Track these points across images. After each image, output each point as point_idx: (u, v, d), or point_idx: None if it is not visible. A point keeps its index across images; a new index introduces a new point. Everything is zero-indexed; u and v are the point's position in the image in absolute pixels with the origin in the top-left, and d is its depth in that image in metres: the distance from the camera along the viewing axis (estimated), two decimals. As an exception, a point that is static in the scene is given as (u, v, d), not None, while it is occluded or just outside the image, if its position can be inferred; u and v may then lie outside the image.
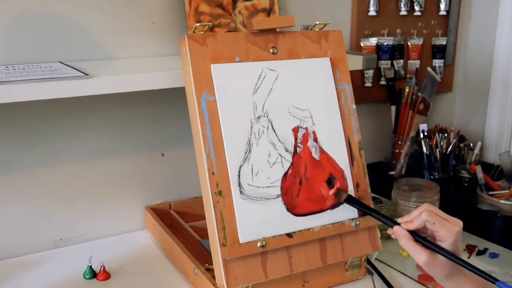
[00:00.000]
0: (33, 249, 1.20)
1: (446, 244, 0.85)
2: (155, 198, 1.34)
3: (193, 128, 0.97)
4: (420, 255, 0.85)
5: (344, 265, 1.08)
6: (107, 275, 1.10)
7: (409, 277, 1.13)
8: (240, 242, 0.94)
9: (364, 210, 1.02)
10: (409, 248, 0.87)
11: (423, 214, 0.87)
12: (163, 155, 1.33)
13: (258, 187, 0.98)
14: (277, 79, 1.03)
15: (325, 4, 1.47)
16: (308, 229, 1.00)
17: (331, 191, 1.03)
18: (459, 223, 0.86)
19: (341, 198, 1.02)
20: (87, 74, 0.97)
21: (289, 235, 0.98)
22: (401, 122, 1.54)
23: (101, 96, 1.00)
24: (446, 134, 1.54)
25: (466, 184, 1.52)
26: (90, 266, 1.10)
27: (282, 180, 1.00)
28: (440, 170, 1.51)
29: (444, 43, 1.68)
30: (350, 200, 1.02)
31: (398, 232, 0.89)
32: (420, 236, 0.88)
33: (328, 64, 1.09)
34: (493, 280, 0.81)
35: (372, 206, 1.09)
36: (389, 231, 0.92)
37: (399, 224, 0.90)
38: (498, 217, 1.30)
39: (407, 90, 1.52)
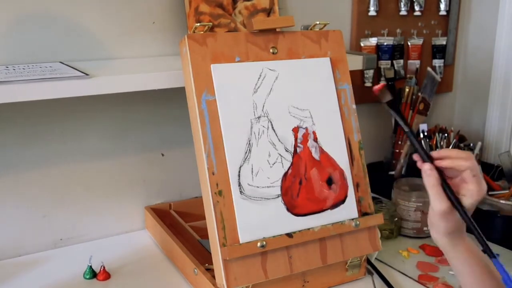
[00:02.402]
0: (33, 249, 1.20)
1: (470, 201, 0.80)
2: (155, 198, 1.34)
3: (193, 128, 0.97)
4: (442, 201, 0.80)
5: (344, 265, 1.08)
6: (107, 275, 1.10)
7: (409, 277, 1.13)
8: (240, 242, 0.94)
9: (400, 122, 0.88)
10: (433, 190, 0.81)
11: (469, 160, 0.81)
12: (163, 155, 1.33)
13: (258, 187, 0.98)
14: (277, 79, 1.03)
15: (325, 4, 1.47)
16: (308, 229, 1.00)
17: (377, 86, 0.89)
18: (486, 187, 0.83)
19: (384, 98, 0.89)
20: (87, 74, 0.97)
21: (289, 235, 0.98)
22: (401, 122, 1.53)
23: (101, 96, 1.00)
24: (446, 134, 1.54)
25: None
26: (90, 266, 1.10)
27: (282, 180, 1.00)
28: (440, 170, 1.51)
29: (444, 43, 1.68)
30: (391, 105, 0.89)
31: (429, 172, 0.82)
32: (449, 186, 0.81)
33: (328, 64, 1.09)
34: (492, 255, 0.79)
35: (372, 207, 1.09)
36: (418, 164, 0.84)
37: (432, 161, 0.82)
38: (498, 217, 1.30)
39: (407, 90, 1.52)
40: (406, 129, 0.87)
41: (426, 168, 0.82)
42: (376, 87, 0.88)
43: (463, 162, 0.81)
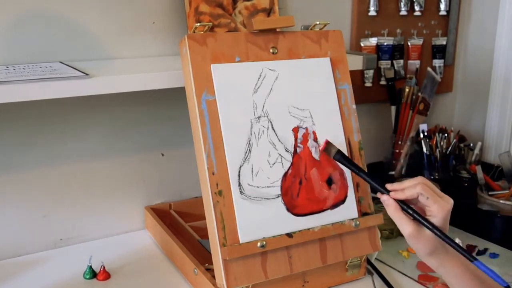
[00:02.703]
0: (33, 249, 1.20)
1: (435, 220, 0.84)
2: (155, 198, 1.34)
3: (193, 128, 0.97)
4: (406, 226, 0.84)
5: (344, 265, 1.08)
6: (107, 275, 1.10)
7: (409, 277, 1.13)
8: (240, 242, 0.94)
9: (353, 170, 0.98)
10: (395, 218, 0.86)
11: (418, 186, 0.85)
12: (163, 155, 1.33)
13: (258, 187, 0.98)
14: (277, 79, 1.03)
15: (325, 4, 1.47)
16: (308, 229, 1.00)
17: (321, 147, 0.99)
18: (451, 201, 0.86)
19: (331, 153, 0.99)
20: (87, 74, 0.97)
21: (289, 235, 0.98)
22: (401, 122, 1.54)
23: (101, 96, 0.99)
24: (446, 134, 1.54)
25: (466, 184, 1.52)
26: (90, 266, 1.10)
27: (282, 180, 1.00)
28: (440, 170, 1.51)
29: (444, 43, 1.68)
30: (340, 156, 0.98)
31: (387, 202, 0.88)
32: (409, 207, 0.86)
33: (328, 64, 1.09)
34: (472, 258, 0.80)
35: (372, 207, 1.09)
36: (379, 195, 0.90)
37: (388, 192, 0.88)
38: (498, 217, 1.30)
39: (407, 90, 1.52)
40: (359, 173, 0.96)
41: (383, 199, 0.89)
42: (321, 147, 1.00)
43: (412, 190, 0.86)
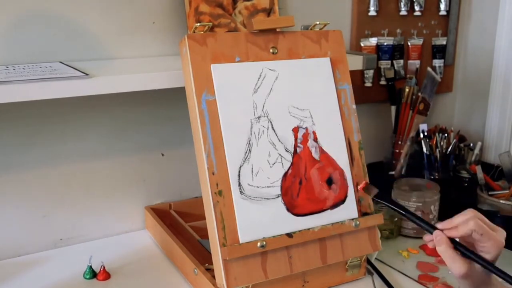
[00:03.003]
0: (33, 249, 1.20)
1: (489, 256, 0.79)
2: (155, 198, 1.34)
3: (193, 128, 0.97)
4: (460, 266, 0.79)
5: (344, 265, 1.08)
6: (107, 275, 1.10)
7: (409, 277, 1.13)
8: (240, 242, 0.94)
9: (395, 209, 0.93)
10: (448, 257, 0.80)
11: (470, 222, 0.79)
12: (163, 155, 1.33)
13: (258, 187, 0.98)
14: (277, 79, 1.03)
15: (325, 4, 1.47)
16: (308, 229, 1.00)
17: (360, 186, 0.99)
18: (505, 234, 0.81)
19: (370, 194, 0.98)
20: (87, 74, 0.97)
21: (289, 235, 0.98)
22: (401, 122, 1.53)
23: (101, 96, 0.99)
24: (446, 134, 1.54)
25: (466, 184, 1.52)
26: (90, 266, 1.10)
27: (282, 180, 1.00)
28: (440, 170, 1.51)
29: (444, 43, 1.68)
30: (380, 197, 0.96)
31: (438, 238, 0.81)
32: (461, 245, 0.81)
33: (328, 64, 1.09)
34: None
35: (372, 207, 1.09)
36: (426, 237, 0.84)
37: (438, 229, 0.83)
38: (498, 217, 1.30)
39: (407, 90, 1.52)
40: (407, 215, 0.90)
41: (435, 235, 0.82)
42: (360, 186, 0.98)
43: (465, 227, 0.80)
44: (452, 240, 0.81)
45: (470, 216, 0.81)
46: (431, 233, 0.84)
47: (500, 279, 0.79)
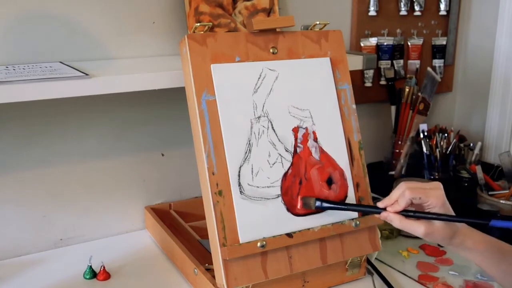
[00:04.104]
0: (33, 249, 1.20)
1: (436, 209, 0.88)
2: (155, 198, 1.34)
3: (193, 128, 0.97)
4: (418, 228, 0.88)
5: (344, 265, 1.08)
6: (107, 275, 1.10)
7: (409, 277, 1.13)
8: (240, 242, 0.94)
9: (340, 208, 1.00)
10: (405, 226, 0.89)
11: (406, 193, 0.88)
12: (163, 155, 1.33)
13: (258, 187, 0.98)
14: (277, 79, 1.03)
15: (325, 4, 1.47)
16: (308, 229, 1.00)
17: (298, 204, 1.00)
18: (440, 185, 0.90)
19: (311, 206, 0.99)
20: (87, 74, 0.97)
21: (289, 235, 0.98)
22: (401, 122, 1.54)
23: (101, 96, 1.00)
24: (446, 134, 1.54)
25: (466, 184, 1.51)
26: (90, 266, 1.10)
27: (282, 180, 1.00)
28: (440, 170, 1.51)
29: (444, 43, 1.68)
30: (320, 203, 0.99)
31: (389, 217, 0.90)
32: (409, 211, 0.89)
33: (328, 64, 1.09)
34: (486, 221, 0.85)
35: (371, 202, 1.09)
36: (379, 216, 0.93)
37: (384, 209, 0.91)
38: (498, 217, 1.30)
39: (407, 90, 1.52)
40: (349, 208, 1.00)
41: (385, 216, 0.92)
42: (299, 204, 1.00)
43: (404, 199, 0.88)
44: (402, 212, 0.90)
45: (403, 188, 0.89)
46: (379, 214, 0.92)
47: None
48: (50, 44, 1.13)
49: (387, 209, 0.91)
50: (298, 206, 1.00)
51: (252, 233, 0.95)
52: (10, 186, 1.16)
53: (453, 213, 0.90)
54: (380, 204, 0.92)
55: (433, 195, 0.88)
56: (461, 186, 1.52)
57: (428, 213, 0.88)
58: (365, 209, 0.98)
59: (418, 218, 0.88)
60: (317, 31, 1.09)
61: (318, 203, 0.99)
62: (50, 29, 1.13)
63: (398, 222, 0.89)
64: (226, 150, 0.96)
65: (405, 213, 0.89)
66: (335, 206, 1.00)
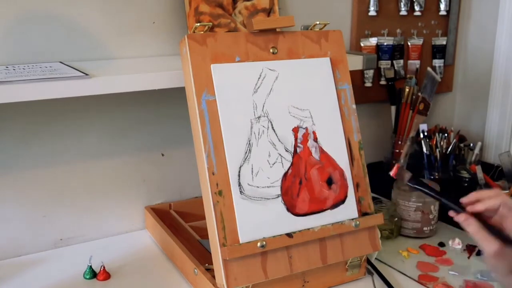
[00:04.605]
0: (33, 249, 1.20)
1: None
2: (155, 198, 1.34)
3: (193, 128, 0.97)
4: (491, 244, 0.80)
5: (344, 265, 1.08)
6: (107, 275, 1.10)
7: (409, 277, 1.13)
8: (240, 242, 0.94)
9: (428, 193, 0.93)
10: (480, 236, 0.81)
11: (500, 197, 0.81)
12: (163, 155, 1.33)
13: (258, 187, 0.98)
14: (277, 79, 1.03)
15: (325, 4, 1.47)
16: (308, 229, 1.00)
17: (392, 172, 0.94)
18: None
19: (404, 178, 0.94)
20: (87, 74, 0.97)
21: (289, 235, 0.98)
22: (401, 122, 1.54)
23: (101, 96, 1.00)
24: (446, 134, 1.54)
25: (466, 184, 1.51)
26: (90, 266, 1.10)
27: (282, 180, 1.00)
28: (440, 170, 1.51)
29: (444, 43, 1.68)
30: (414, 181, 0.94)
31: (467, 221, 0.83)
32: (489, 225, 0.82)
33: (328, 64, 1.09)
34: None
35: (372, 207, 1.09)
36: (452, 214, 0.86)
37: (464, 208, 0.84)
38: (498, 217, 1.30)
39: (407, 90, 1.52)
40: (439, 198, 0.91)
41: (462, 219, 0.84)
42: (392, 171, 0.93)
43: (494, 200, 0.82)
44: (483, 222, 0.82)
45: (498, 192, 0.83)
46: (459, 213, 0.85)
47: None
48: (50, 44, 1.13)
49: (468, 208, 0.84)
50: (392, 174, 0.94)
51: (252, 233, 0.95)
52: (10, 186, 1.16)
53: None
54: (464, 200, 0.85)
55: None
56: (461, 186, 1.52)
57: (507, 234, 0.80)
58: (447, 203, 0.88)
59: (497, 236, 0.80)
60: (317, 31, 1.09)
61: (410, 183, 0.94)
62: (50, 29, 1.13)
63: (475, 228, 0.82)
64: (226, 150, 0.96)
65: (488, 226, 0.81)
66: (428, 190, 0.93)
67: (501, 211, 0.81)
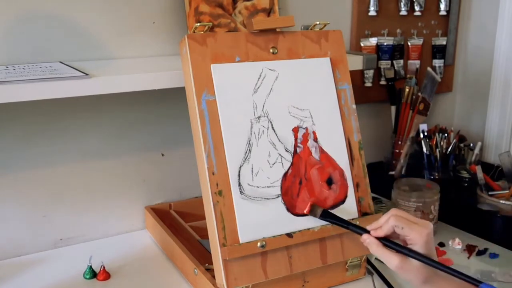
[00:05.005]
0: (33, 249, 1.20)
1: (417, 247, 0.83)
2: (155, 198, 1.34)
3: (193, 128, 0.97)
4: (391, 259, 0.84)
5: (344, 265, 1.08)
6: (107, 275, 1.10)
7: (409, 277, 1.13)
8: (240, 242, 0.94)
9: (339, 224, 0.98)
10: (379, 254, 0.86)
11: (390, 219, 0.86)
12: (163, 155, 1.33)
13: (258, 187, 0.98)
14: (277, 79, 1.03)
15: (325, 4, 1.47)
16: (308, 229, 1.00)
17: (306, 210, 1.00)
18: (429, 225, 0.85)
19: (316, 214, 1.00)
20: (87, 74, 0.97)
21: (289, 235, 0.98)
22: (401, 122, 1.54)
23: (101, 96, 1.00)
24: (446, 134, 1.54)
25: (466, 184, 1.52)
26: (90, 266, 1.10)
27: (282, 180, 1.00)
28: (440, 170, 1.51)
29: (444, 43, 1.68)
30: (326, 215, 0.99)
31: (367, 241, 0.88)
32: (390, 241, 0.87)
33: (328, 64, 1.09)
34: (476, 282, 0.79)
35: (372, 207, 1.09)
36: (361, 239, 0.90)
37: (368, 232, 0.89)
38: (498, 217, 1.30)
39: (407, 90, 1.52)
40: (347, 226, 0.97)
41: (363, 239, 0.90)
42: (306, 209, 1.00)
43: (387, 224, 0.87)
44: (383, 239, 0.87)
45: (390, 215, 0.87)
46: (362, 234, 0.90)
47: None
48: (50, 44, 1.13)
49: (371, 233, 0.89)
50: (305, 211, 1.00)
51: (252, 233, 0.95)
52: (10, 186, 1.16)
53: (436, 258, 0.85)
54: (368, 227, 0.90)
55: (417, 230, 0.84)
56: (461, 186, 1.52)
57: (408, 248, 0.84)
58: (353, 229, 0.95)
59: (396, 251, 0.85)
60: (317, 31, 1.09)
61: (321, 217, 0.99)
62: (50, 29, 1.13)
63: (375, 247, 0.87)
64: (226, 150, 0.96)
65: (386, 242, 0.86)
66: (336, 222, 0.99)
67: (396, 231, 0.86)
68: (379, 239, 0.87)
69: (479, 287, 0.79)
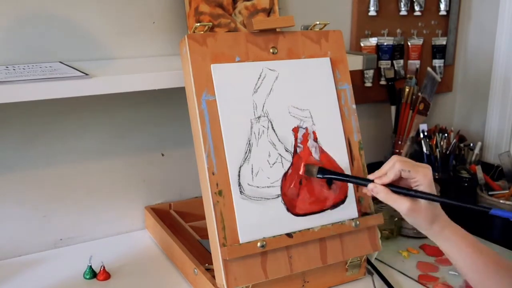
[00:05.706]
0: (33, 249, 1.20)
1: (423, 187, 0.87)
2: (155, 198, 1.34)
3: (193, 128, 0.97)
4: (402, 203, 0.87)
5: (344, 265, 1.08)
6: (107, 275, 1.10)
7: (409, 277, 1.13)
8: (240, 242, 0.94)
9: (338, 179, 1.00)
10: (390, 200, 0.88)
11: (396, 164, 0.88)
12: (163, 155, 1.33)
13: (258, 187, 0.98)
14: (277, 79, 1.03)
15: (325, 4, 1.47)
16: (308, 229, 1.00)
17: (301, 171, 1.01)
18: (429, 166, 0.90)
19: (313, 173, 1.00)
20: (87, 74, 0.97)
21: (289, 235, 0.98)
22: (401, 122, 1.53)
23: (101, 96, 1.00)
24: (446, 134, 1.54)
25: (466, 184, 1.51)
26: (90, 266, 1.10)
27: (282, 180, 1.00)
28: (440, 170, 1.51)
29: (444, 43, 1.68)
30: (323, 172, 1.00)
31: (375, 189, 0.90)
32: (396, 186, 0.89)
33: (328, 64, 1.09)
34: (487, 209, 0.84)
35: (372, 207, 1.09)
36: (364, 190, 0.93)
37: (372, 181, 0.91)
38: (498, 217, 1.30)
39: (407, 90, 1.52)
40: (348, 179, 0.99)
41: (369, 189, 0.91)
42: (301, 171, 1.00)
43: (393, 170, 0.89)
44: (389, 185, 0.89)
45: (394, 160, 0.89)
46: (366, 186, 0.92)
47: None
48: (50, 44, 1.13)
49: (375, 181, 0.90)
50: (300, 172, 1.01)
51: (252, 233, 0.95)
52: (10, 186, 1.16)
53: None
54: (370, 176, 0.92)
55: (422, 172, 0.88)
56: (461, 186, 1.52)
57: (417, 190, 0.87)
58: (356, 181, 0.97)
59: (405, 195, 0.88)
60: (317, 31, 1.09)
61: (319, 175, 0.99)
62: (50, 29, 1.13)
63: (384, 195, 0.89)
64: (226, 150, 0.96)
65: (394, 188, 0.89)
66: (334, 176, 1.00)
67: (403, 175, 0.88)
68: (386, 185, 0.89)
69: (490, 212, 0.83)
